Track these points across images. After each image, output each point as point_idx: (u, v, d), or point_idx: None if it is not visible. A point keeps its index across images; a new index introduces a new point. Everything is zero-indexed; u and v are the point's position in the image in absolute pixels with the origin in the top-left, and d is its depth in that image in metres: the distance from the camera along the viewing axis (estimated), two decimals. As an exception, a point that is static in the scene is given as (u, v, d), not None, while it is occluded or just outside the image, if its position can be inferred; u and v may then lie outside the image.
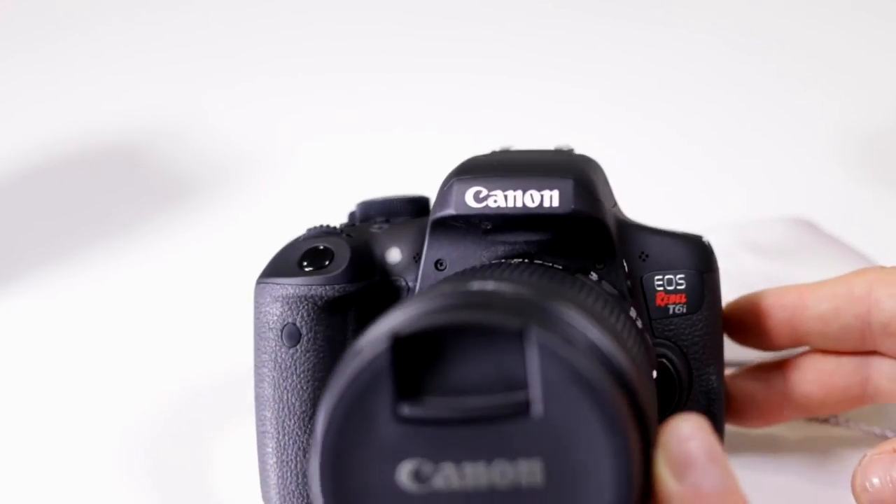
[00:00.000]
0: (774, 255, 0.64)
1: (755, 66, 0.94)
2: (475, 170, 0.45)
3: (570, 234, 0.45)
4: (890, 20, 0.99)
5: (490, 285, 0.37)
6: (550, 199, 0.44)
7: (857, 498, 0.47)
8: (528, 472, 0.33)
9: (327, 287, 0.46)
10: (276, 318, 0.47)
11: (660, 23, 1.01)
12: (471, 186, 0.45)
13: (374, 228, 0.49)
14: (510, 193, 0.44)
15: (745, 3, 1.04)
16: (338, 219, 0.52)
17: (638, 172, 0.77)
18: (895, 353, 0.49)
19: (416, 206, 0.50)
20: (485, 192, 0.45)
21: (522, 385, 0.33)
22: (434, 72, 0.97)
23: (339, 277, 0.46)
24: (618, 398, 0.33)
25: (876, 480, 0.46)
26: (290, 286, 0.46)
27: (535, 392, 0.33)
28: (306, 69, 0.98)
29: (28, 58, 1.02)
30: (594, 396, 0.33)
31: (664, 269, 0.47)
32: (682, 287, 0.47)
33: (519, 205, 0.44)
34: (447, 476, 0.33)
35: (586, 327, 0.35)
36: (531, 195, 0.44)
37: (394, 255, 0.47)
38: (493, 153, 0.48)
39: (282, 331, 0.46)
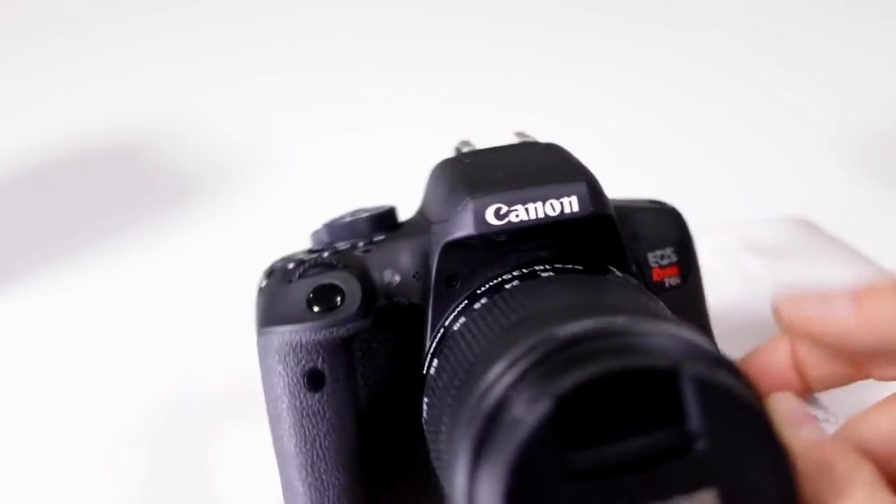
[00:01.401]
0: (775, 256, 0.64)
1: (755, 66, 0.94)
2: (484, 185, 0.44)
3: (583, 234, 0.45)
4: (890, 20, 0.99)
5: (590, 323, 0.36)
6: (570, 204, 0.44)
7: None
8: (706, 502, 0.33)
9: (347, 327, 0.45)
10: (293, 365, 0.45)
11: (660, 21, 1.01)
12: (490, 204, 0.44)
13: (359, 252, 0.47)
14: (531, 206, 0.43)
15: (746, 3, 1.04)
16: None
17: (637, 172, 0.77)
18: None
19: (383, 223, 0.48)
20: (505, 208, 0.44)
21: (680, 420, 0.33)
22: (426, 69, 0.97)
23: (356, 315, 0.45)
24: (763, 409, 0.34)
25: None
26: (307, 331, 0.45)
27: (697, 424, 0.33)
28: (306, 68, 0.98)
29: (28, 57, 1.02)
30: (750, 415, 0.34)
31: (655, 246, 0.47)
32: (674, 260, 0.47)
33: (541, 215, 0.44)
34: None
35: (703, 341, 0.36)
36: (552, 204, 0.44)
37: (389, 276, 0.46)
38: (464, 154, 0.47)
39: (304, 378, 0.45)
